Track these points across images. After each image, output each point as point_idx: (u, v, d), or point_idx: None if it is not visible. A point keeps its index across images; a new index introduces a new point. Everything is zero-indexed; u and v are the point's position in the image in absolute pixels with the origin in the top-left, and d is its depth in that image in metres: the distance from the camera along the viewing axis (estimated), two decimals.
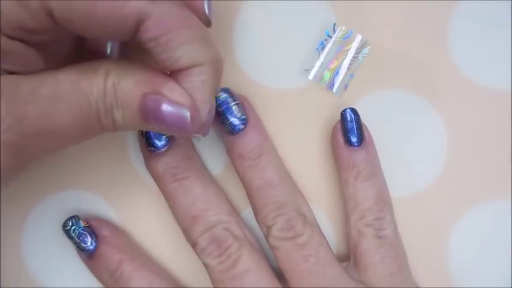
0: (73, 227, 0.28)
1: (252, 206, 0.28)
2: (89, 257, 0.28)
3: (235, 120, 0.27)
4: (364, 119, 0.28)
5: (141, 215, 0.30)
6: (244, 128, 0.27)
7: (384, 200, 0.28)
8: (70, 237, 0.28)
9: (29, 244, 0.30)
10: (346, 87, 0.30)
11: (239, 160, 0.27)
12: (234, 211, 0.28)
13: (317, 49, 0.30)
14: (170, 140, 0.27)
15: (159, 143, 0.27)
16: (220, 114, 0.27)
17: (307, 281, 0.26)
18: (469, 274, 0.29)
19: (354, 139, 0.28)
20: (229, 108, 0.27)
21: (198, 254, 0.27)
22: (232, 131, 0.27)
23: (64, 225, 0.28)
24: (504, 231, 0.29)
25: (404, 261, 0.28)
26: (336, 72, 0.30)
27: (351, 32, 0.30)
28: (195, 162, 0.28)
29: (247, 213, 0.30)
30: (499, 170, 0.29)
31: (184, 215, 0.27)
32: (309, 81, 0.30)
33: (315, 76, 0.30)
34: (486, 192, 0.29)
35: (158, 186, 0.28)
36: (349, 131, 0.28)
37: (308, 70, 0.30)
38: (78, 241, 0.28)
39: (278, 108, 0.30)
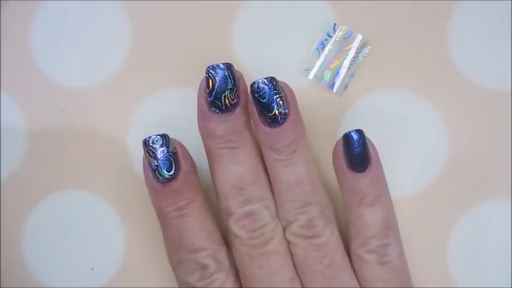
0: (162, 148, 0.25)
1: (275, 198, 0.27)
2: (161, 184, 0.26)
3: (275, 115, 0.25)
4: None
5: (141, 214, 0.30)
6: (283, 123, 0.26)
7: (389, 226, 0.26)
8: (153, 157, 0.25)
9: (29, 244, 0.30)
10: (346, 87, 0.30)
11: (271, 152, 0.26)
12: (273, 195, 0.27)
13: (317, 49, 0.30)
14: (237, 105, 0.26)
15: (224, 107, 0.25)
16: (260, 105, 0.25)
17: (319, 281, 0.26)
18: (469, 274, 0.29)
19: (358, 166, 0.26)
20: (271, 101, 0.25)
21: (230, 224, 0.26)
22: (271, 124, 0.26)
23: (151, 141, 0.25)
24: (504, 231, 0.29)
25: (408, 283, 0.27)
26: (336, 72, 0.30)
27: (351, 32, 0.30)
28: (251, 134, 0.27)
29: None
30: (499, 170, 0.29)
31: (228, 183, 0.26)
32: (309, 81, 0.30)
33: (315, 76, 0.30)
34: (486, 192, 0.29)
35: (205, 144, 0.27)
36: (353, 156, 0.26)
37: (308, 70, 0.30)
38: (161, 165, 0.25)
39: None
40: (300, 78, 0.30)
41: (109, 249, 0.30)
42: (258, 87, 0.25)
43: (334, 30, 0.30)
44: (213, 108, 0.26)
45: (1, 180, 0.30)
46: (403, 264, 0.27)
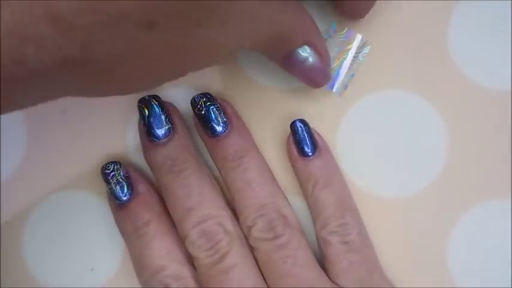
0: (113, 173, 0.28)
1: (235, 207, 0.28)
2: (119, 206, 0.28)
3: (216, 124, 0.27)
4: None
5: None
6: (225, 131, 0.27)
7: (344, 206, 0.27)
8: (107, 181, 0.28)
9: (29, 244, 0.30)
10: (346, 87, 0.30)
11: (221, 162, 0.28)
12: (227, 206, 0.28)
13: None
14: (171, 131, 0.27)
15: (160, 134, 0.27)
16: (201, 118, 0.28)
17: (285, 281, 0.26)
18: (469, 274, 0.29)
19: (306, 149, 0.28)
20: (210, 112, 0.27)
21: (188, 247, 0.27)
22: (214, 134, 0.27)
23: (105, 167, 0.28)
24: (504, 231, 0.29)
25: (374, 263, 0.28)
26: (336, 72, 0.30)
27: (351, 31, 0.30)
28: (193, 153, 0.28)
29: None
30: (499, 170, 0.29)
31: (178, 207, 0.27)
32: None
33: None
34: (486, 192, 0.29)
35: (154, 176, 0.28)
36: (301, 141, 0.28)
37: None
38: (114, 188, 0.27)
39: (278, 108, 0.30)
40: None
41: (109, 249, 0.30)
42: (195, 101, 0.28)
43: (334, 30, 0.30)
44: (150, 138, 0.27)
45: (1, 180, 0.30)
46: (365, 243, 0.27)
